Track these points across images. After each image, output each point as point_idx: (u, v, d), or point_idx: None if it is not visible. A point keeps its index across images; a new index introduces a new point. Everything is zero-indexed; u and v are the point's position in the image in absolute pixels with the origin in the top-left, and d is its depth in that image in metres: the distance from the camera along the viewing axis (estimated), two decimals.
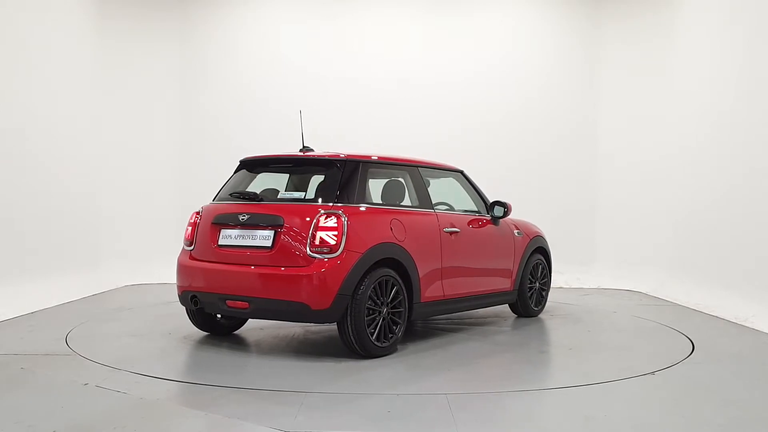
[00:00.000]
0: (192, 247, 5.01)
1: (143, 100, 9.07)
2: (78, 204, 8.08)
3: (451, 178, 5.99)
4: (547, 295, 6.64)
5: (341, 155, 4.83)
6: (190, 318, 5.28)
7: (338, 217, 4.46)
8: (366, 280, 4.49)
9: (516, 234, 6.17)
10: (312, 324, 5.79)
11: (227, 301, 4.63)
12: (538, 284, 6.47)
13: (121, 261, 8.69)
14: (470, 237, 5.61)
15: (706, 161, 7.54)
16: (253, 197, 4.86)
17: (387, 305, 4.64)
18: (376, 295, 4.58)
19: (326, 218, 4.46)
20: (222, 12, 9.26)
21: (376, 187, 5.21)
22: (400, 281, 4.77)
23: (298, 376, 4.16)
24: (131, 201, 8.94)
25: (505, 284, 6.05)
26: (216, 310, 4.85)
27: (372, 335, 4.52)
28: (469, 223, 5.70)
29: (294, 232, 4.48)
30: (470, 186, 5.98)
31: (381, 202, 5.09)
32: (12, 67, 6.64)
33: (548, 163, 9.27)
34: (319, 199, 4.66)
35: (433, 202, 5.89)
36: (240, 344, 5.13)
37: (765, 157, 6.33)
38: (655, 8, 8.86)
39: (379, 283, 4.59)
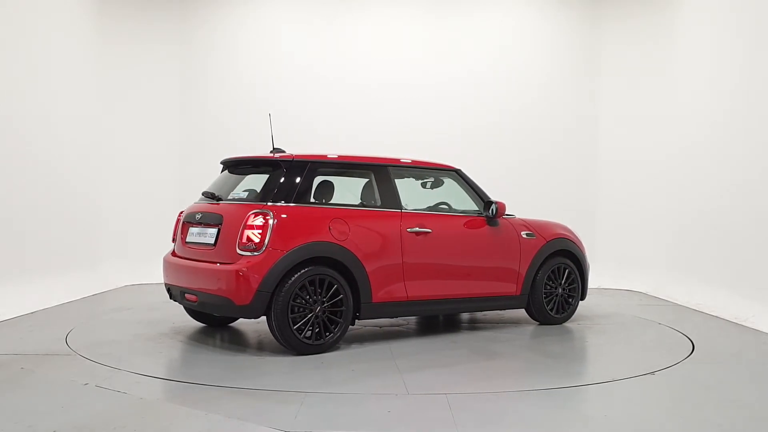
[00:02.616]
0: (174, 243, 5.47)
1: (143, 99, 9.07)
2: (78, 204, 8.08)
3: (445, 178, 5.87)
4: (576, 302, 6.20)
5: (290, 156, 5.05)
6: (185, 309, 5.69)
7: (265, 216, 4.66)
8: (292, 278, 4.60)
9: (524, 235, 5.86)
10: None
11: (185, 295, 5.00)
12: (560, 290, 6.07)
13: (121, 261, 8.70)
14: (449, 238, 5.44)
15: (706, 161, 7.54)
16: (211, 196, 5.21)
17: (321, 304, 4.70)
18: (308, 293, 4.66)
19: (254, 217, 4.68)
20: (222, 12, 9.26)
21: (330, 187, 5.30)
22: (342, 280, 4.81)
23: (298, 376, 4.16)
24: (131, 201, 8.95)
25: (507, 288, 5.78)
26: (180, 302, 5.19)
27: (301, 332, 4.62)
28: (453, 223, 5.57)
29: (229, 230, 4.76)
30: (468, 186, 5.82)
31: (331, 201, 5.14)
32: (12, 67, 6.64)
33: (548, 163, 9.27)
34: (261, 199, 4.85)
35: (435, 202, 5.90)
36: (240, 344, 5.13)
37: (765, 157, 6.33)
38: (655, 8, 8.86)
39: (311, 281, 4.67)
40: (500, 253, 5.73)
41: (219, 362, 4.51)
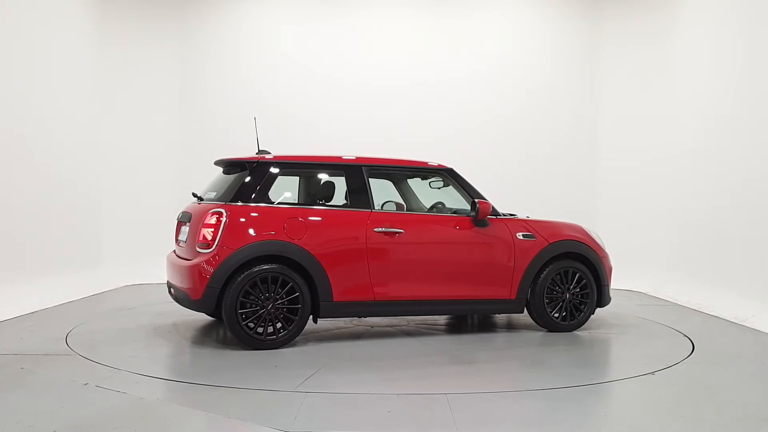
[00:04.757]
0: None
1: (143, 100, 9.07)
2: (78, 204, 8.08)
3: (434, 178, 5.78)
4: (588, 308, 5.75)
5: (255, 157, 5.24)
6: None
7: (218, 215, 4.88)
8: (241, 275, 4.78)
9: (520, 236, 5.54)
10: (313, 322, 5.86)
11: (171, 289, 5.35)
12: (568, 295, 5.69)
13: (121, 261, 8.69)
14: (424, 238, 5.32)
15: (706, 161, 7.54)
16: (195, 195, 5.53)
17: (274, 301, 4.83)
18: (261, 290, 4.82)
19: (210, 216, 4.92)
20: (222, 12, 9.26)
21: (295, 186, 5.55)
22: (299, 279, 4.90)
23: (297, 375, 4.16)
24: (131, 201, 8.95)
25: (498, 291, 5.49)
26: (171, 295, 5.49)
27: (252, 328, 4.81)
28: (432, 224, 5.45)
29: (194, 228, 5.06)
30: (459, 186, 5.62)
31: (292, 201, 5.28)
32: (12, 68, 6.64)
33: (548, 164, 9.27)
34: (224, 198, 5.07)
35: (433, 203, 5.88)
36: (241, 344, 5.12)
37: (765, 157, 6.34)
38: (654, 9, 8.86)
39: (264, 279, 4.81)
40: (488, 255, 5.47)
41: (219, 362, 4.51)
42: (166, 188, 8.99)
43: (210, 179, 5.78)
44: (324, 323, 5.96)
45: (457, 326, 6.07)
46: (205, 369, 4.35)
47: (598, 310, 6.00)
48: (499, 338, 5.56)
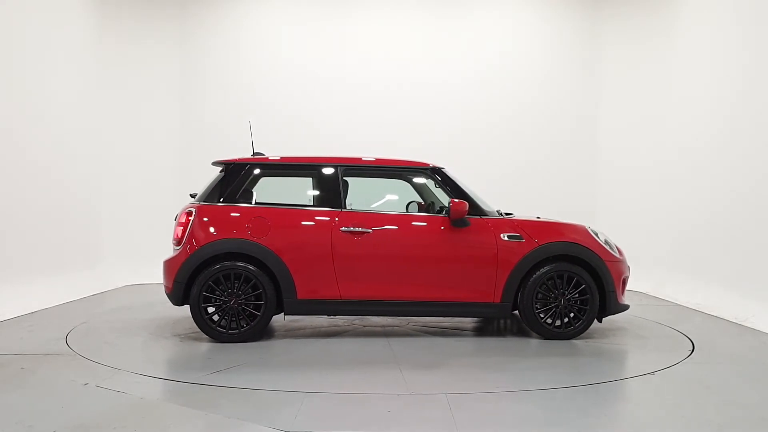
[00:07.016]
0: None
1: (143, 100, 9.08)
2: (78, 204, 8.08)
3: (417, 178, 5.73)
4: (587, 316, 5.35)
5: (231, 159, 5.51)
6: None
7: (188, 214, 5.24)
8: (204, 271, 5.10)
9: (505, 237, 5.26)
10: (309, 321, 5.86)
11: None
12: (563, 301, 5.35)
13: (121, 261, 8.70)
14: (394, 238, 5.22)
15: (706, 162, 7.54)
16: (192, 196, 5.69)
17: (237, 296, 5.09)
18: (225, 286, 5.10)
19: (182, 215, 5.28)
20: (222, 12, 9.26)
21: (272, 187, 5.79)
22: (263, 276, 5.11)
23: (297, 376, 4.16)
24: (131, 201, 8.96)
25: (480, 295, 5.25)
26: None
27: (216, 321, 5.12)
28: (403, 224, 5.31)
29: (175, 227, 5.36)
30: (444, 185, 5.44)
31: (264, 201, 5.41)
32: (12, 68, 6.64)
33: (548, 164, 9.28)
34: (200, 198, 5.37)
35: (428, 202, 5.86)
36: (240, 344, 5.13)
37: (765, 157, 6.33)
38: (654, 8, 8.87)
39: (225, 276, 5.10)
40: (465, 256, 5.25)
41: (218, 362, 4.51)
42: (166, 188, 9.00)
43: (209, 179, 5.79)
44: (321, 320, 5.97)
45: (468, 329, 6.07)
46: (204, 369, 4.35)
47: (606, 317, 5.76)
48: (500, 341, 5.55)
